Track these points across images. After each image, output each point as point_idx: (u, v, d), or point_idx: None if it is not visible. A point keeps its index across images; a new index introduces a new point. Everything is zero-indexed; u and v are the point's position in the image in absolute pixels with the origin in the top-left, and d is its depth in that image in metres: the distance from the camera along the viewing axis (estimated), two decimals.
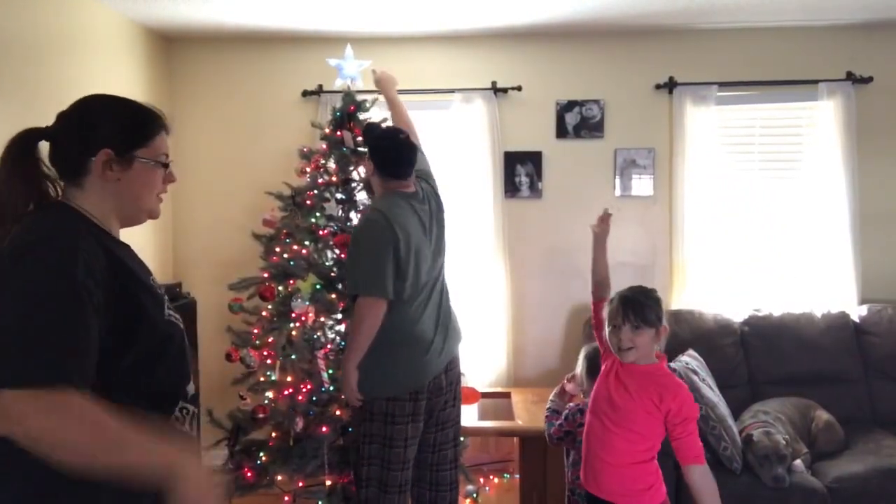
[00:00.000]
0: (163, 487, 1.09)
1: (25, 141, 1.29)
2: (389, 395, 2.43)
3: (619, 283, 3.91)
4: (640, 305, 2.09)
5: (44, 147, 1.33)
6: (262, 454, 3.02)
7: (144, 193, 1.36)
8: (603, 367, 2.22)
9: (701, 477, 2.01)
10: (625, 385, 2.10)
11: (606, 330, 2.16)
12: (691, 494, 2.05)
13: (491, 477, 3.69)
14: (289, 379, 3.02)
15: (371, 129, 2.70)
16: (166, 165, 1.40)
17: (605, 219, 2.44)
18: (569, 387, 2.67)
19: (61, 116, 1.33)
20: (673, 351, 3.26)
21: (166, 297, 1.40)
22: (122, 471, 1.09)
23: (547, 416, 2.63)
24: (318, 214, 3.18)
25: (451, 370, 2.59)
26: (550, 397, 2.69)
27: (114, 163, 1.29)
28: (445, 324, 2.56)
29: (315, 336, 3.09)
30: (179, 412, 1.34)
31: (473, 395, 3.51)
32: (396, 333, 2.44)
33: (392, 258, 2.37)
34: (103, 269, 1.19)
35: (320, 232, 3.15)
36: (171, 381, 1.32)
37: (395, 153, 2.47)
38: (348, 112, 3.32)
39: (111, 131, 1.31)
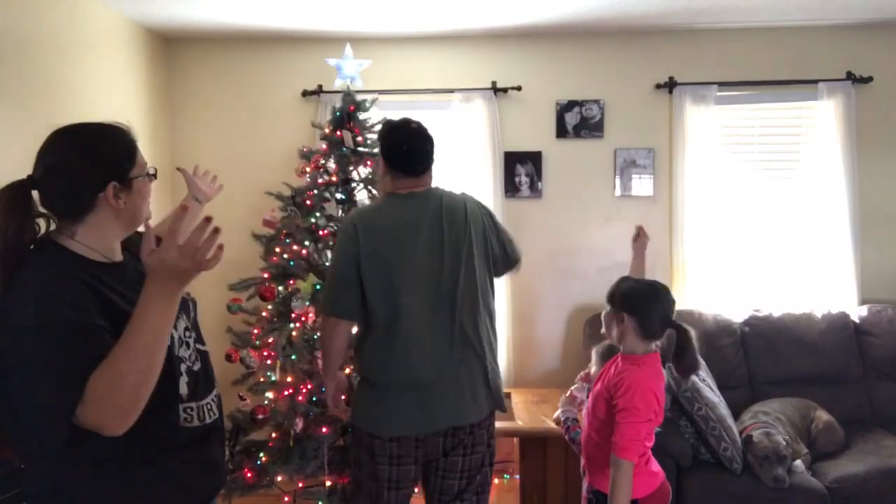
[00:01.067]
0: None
1: (18, 193, 1.30)
2: (369, 431, 2.15)
3: None
4: (613, 286, 2.18)
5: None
6: (261, 455, 3.02)
7: (143, 207, 1.42)
8: None
9: (616, 471, 1.97)
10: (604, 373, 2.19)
11: None
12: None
13: None
14: (289, 379, 3.02)
15: (384, 123, 2.35)
16: (153, 175, 1.45)
17: (640, 233, 2.63)
18: (578, 394, 2.67)
19: (50, 166, 1.31)
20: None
21: None
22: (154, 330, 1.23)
23: (567, 427, 2.59)
24: (317, 214, 3.18)
25: (455, 435, 2.15)
26: (561, 407, 2.67)
27: (119, 192, 1.34)
28: (463, 372, 2.12)
29: (315, 336, 3.08)
30: (185, 412, 1.39)
31: None
32: (374, 368, 2.14)
33: (355, 271, 2.09)
34: (92, 302, 1.24)
35: (320, 232, 3.15)
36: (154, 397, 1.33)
37: (406, 142, 2.18)
38: (348, 112, 3.32)
39: (109, 164, 1.34)
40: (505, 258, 2.31)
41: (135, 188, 1.37)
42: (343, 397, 2.36)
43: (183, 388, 1.39)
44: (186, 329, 1.48)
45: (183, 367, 1.41)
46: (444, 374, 2.10)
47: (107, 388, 1.14)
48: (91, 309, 1.22)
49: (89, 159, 1.32)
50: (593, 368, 2.57)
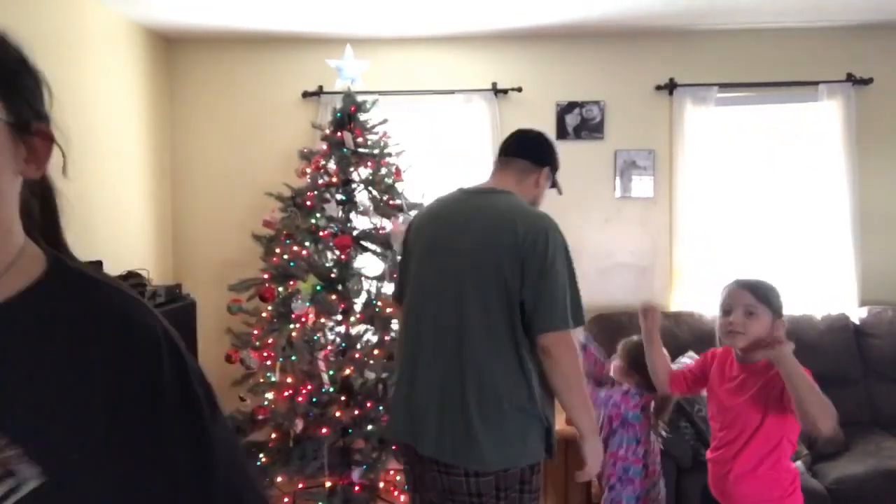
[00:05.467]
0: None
1: None
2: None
3: (618, 284, 3.95)
4: (757, 287, 1.99)
5: None
6: (261, 455, 3.02)
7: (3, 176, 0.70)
8: (712, 370, 2.12)
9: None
10: (737, 385, 1.97)
11: (718, 320, 2.03)
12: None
13: None
14: (289, 380, 3.03)
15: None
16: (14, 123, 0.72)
17: (648, 312, 2.16)
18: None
19: None
20: (672, 352, 3.25)
21: None
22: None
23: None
24: (318, 215, 3.18)
25: (443, 473, 1.80)
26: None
27: None
28: (441, 398, 1.81)
29: (315, 337, 3.09)
30: None
31: None
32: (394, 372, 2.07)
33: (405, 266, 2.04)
34: None
35: (320, 233, 3.15)
36: None
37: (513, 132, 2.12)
38: (349, 113, 3.32)
39: None
40: (533, 314, 1.77)
41: None
42: None
43: None
44: None
45: None
46: (426, 395, 1.85)
47: None
48: None
49: None
50: (616, 362, 2.51)
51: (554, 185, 2.16)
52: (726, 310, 2.00)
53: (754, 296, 1.96)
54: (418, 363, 1.88)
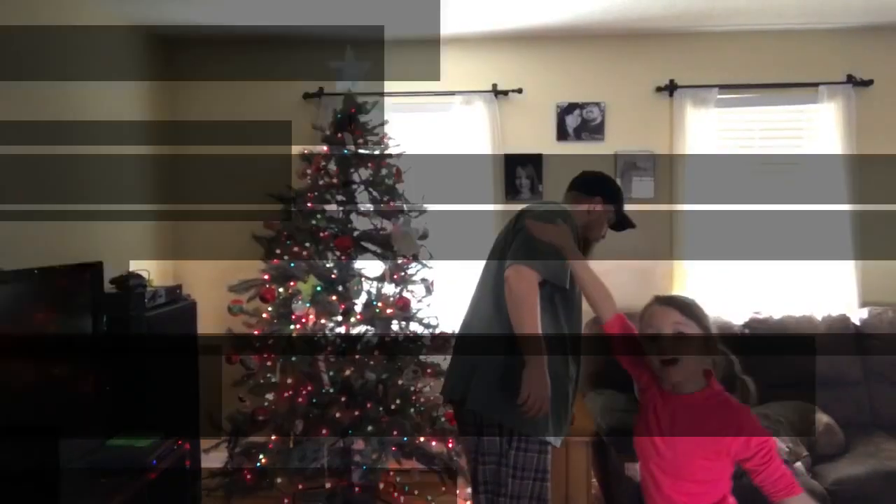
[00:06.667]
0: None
1: None
2: None
3: (618, 285, 3.93)
4: (684, 303, 1.78)
5: None
6: (261, 456, 3.02)
7: None
8: (641, 404, 1.92)
9: None
10: (670, 425, 1.79)
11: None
12: None
13: None
14: (289, 381, 3.02)
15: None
16: None
17: None
18: None
19: None
20: None
21: None
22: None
23: None
24: (318, 216, 3.18)
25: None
26: None
27: None
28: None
29: (315, 338, 3.09)
30: None
31: None
32: None
33: None
34: None
35: (321, 234, 3.15)
36: None
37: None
38: (349, 114, 3.32)
39: None
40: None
41: None
42: None
43: None
44: None
45: None
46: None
47: None
48: None
49: None
50: None
51: (624, 221, 2.44)
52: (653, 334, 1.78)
53: (682, 313, 1.76)
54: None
